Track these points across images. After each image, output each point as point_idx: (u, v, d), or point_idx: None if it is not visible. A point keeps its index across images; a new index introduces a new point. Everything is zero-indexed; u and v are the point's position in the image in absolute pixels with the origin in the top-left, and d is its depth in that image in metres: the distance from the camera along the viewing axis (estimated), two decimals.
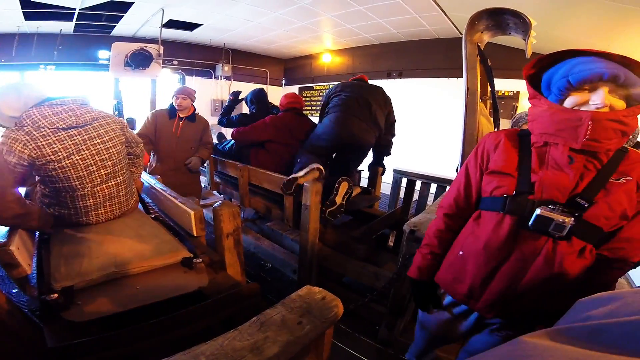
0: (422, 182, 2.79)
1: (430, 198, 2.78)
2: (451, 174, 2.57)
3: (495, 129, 1.58)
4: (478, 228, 0.94)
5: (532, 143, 0.88)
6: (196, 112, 2.96)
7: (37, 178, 1.42)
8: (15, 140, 1.23)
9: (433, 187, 2.72)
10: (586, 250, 0.81)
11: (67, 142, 1.33)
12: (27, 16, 4.18)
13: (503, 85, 4.72)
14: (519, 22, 1.63)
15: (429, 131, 5.66)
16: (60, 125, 1.32)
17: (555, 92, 0.84)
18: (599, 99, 0.76)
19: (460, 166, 1.19)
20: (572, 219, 0.78)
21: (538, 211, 0.80)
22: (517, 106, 4.72)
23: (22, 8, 3.91)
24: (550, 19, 3.50)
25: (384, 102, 2.45)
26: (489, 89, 1.68)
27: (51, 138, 1.29)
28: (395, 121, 2.58)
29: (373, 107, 2.34)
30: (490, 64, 1.65)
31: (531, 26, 1.54)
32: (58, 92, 1.42)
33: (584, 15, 3.40)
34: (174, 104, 2.86)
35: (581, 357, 0.24)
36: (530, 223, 0.81)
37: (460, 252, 0.96)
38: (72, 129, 1.36)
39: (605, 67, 0.75)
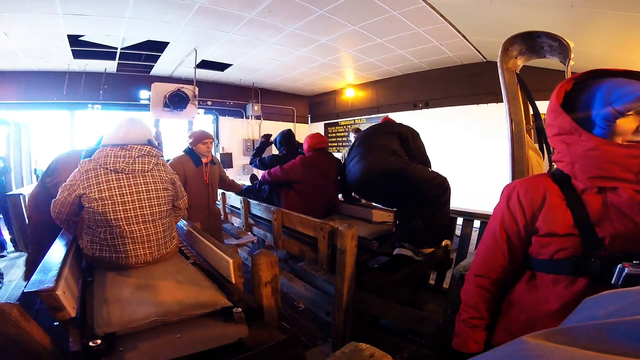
0: (464, 219, 2.57)
1: (475, 234, 2.56)
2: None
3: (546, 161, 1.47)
4: (536, 291, 0.84)
5: (581, 190, 0.78)
6: None
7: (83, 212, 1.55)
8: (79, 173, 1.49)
9: (476, 223, 2.47)
10: None
11: (113, 183, 1.48)
12: (76, 55, 4.61)
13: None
14: (554, 44, 1.57)
15: (465, 162, 5.33)
16: (112, 167, 1.48)
17: (601, 124, 0.75)
18: None
19: None
20: None
21: (626, 270, 0.69)
22: None
23: (70, 46, 4.31)
24: (572, 34, 3.40)
25: (388, 130, 2.49)
26: (532, 117, 1.60)
27: (102, 178, 1.47)
28: (418, 147, 2.50)
29: (379, 138, 2.42)
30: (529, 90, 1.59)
31: (569, 48, 1.48)
32: (139, 138, 1.59)
33: (605, 28, 3.31)
34: (200, 150, 2.70)
35: (584, 358, 0.23)
36: (617, 282, 0.70)
37: (522, 317, 0.86)
38: (121, 173, 1.50)
39: None
